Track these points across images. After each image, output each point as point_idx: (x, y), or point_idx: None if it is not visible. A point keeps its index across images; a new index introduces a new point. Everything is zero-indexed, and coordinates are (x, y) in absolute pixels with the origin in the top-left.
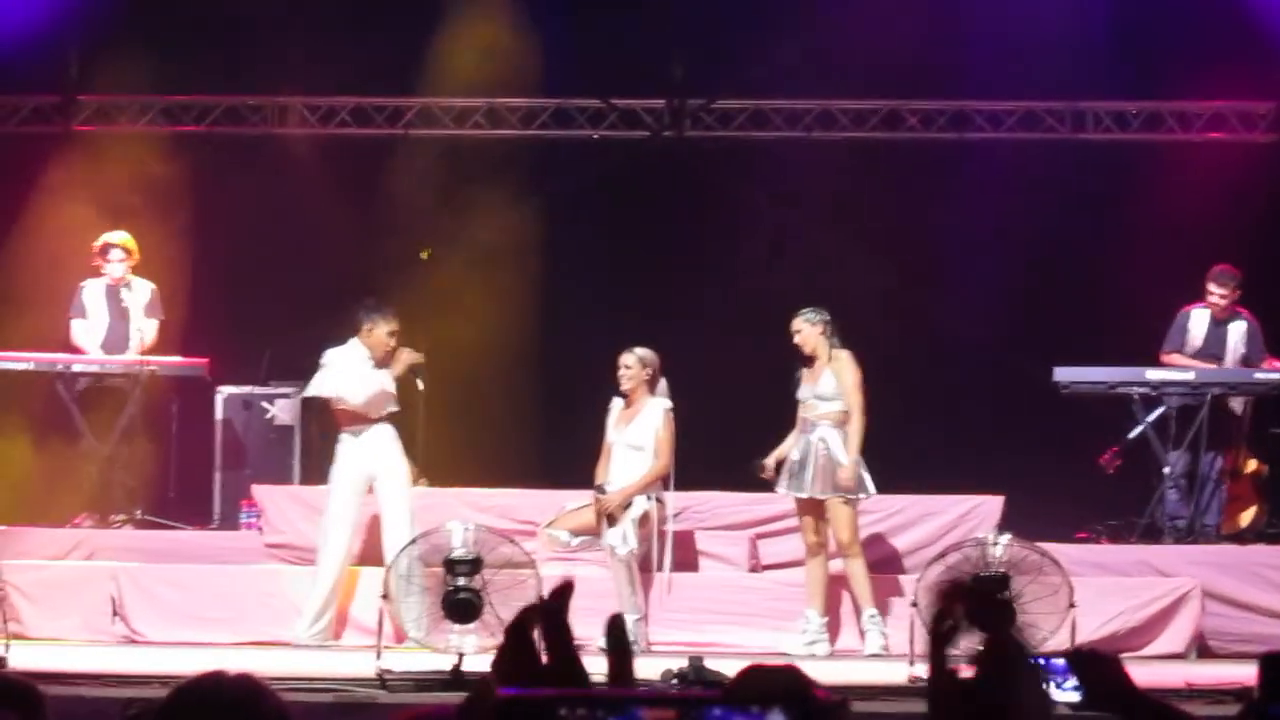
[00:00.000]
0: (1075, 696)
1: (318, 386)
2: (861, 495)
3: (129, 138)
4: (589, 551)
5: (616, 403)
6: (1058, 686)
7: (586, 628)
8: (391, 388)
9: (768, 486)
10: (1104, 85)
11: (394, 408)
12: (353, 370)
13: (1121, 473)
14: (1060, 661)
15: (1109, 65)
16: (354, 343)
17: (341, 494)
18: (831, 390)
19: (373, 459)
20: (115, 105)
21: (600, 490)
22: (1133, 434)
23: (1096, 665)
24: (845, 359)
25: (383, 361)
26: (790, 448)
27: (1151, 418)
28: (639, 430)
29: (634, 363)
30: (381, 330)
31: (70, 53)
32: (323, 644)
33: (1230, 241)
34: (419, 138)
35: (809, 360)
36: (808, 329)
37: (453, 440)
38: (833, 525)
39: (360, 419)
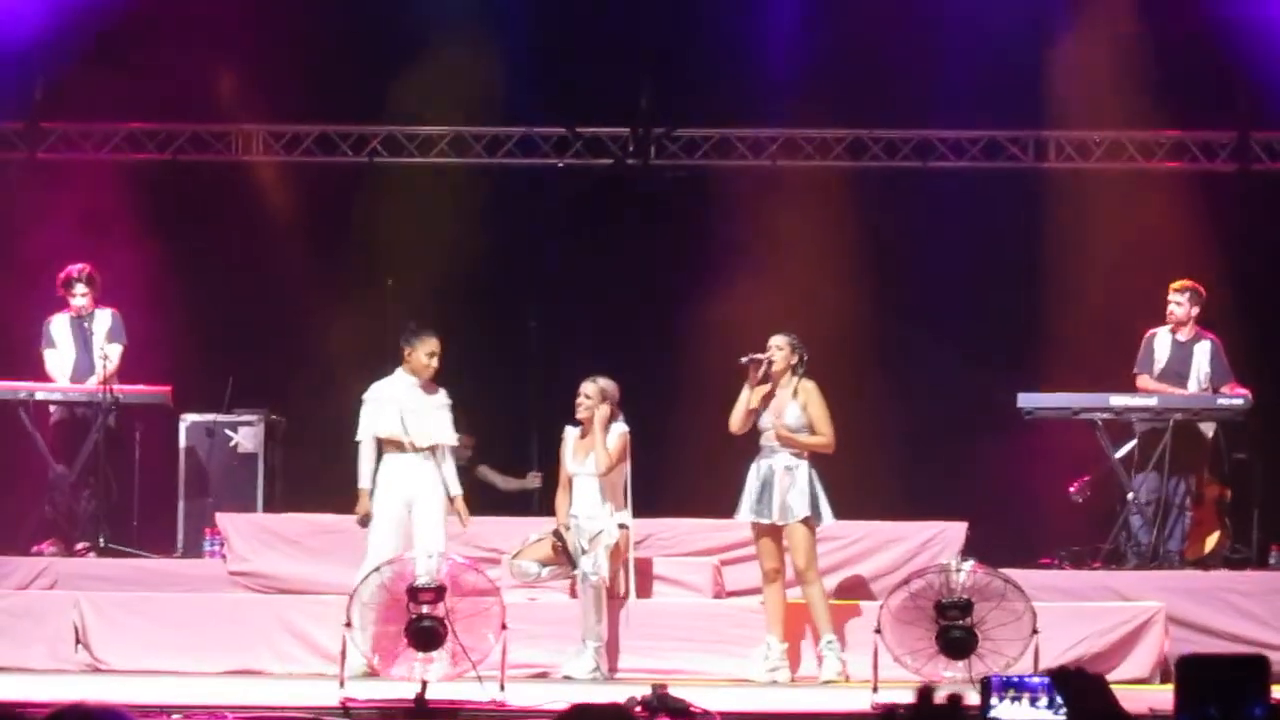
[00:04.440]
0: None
1: (369, 427)
2: (819, 522)
3: (93, 165)
4: (558, 581)
5: (570, 432)
6: (1033, 704)
7: (552, 655)
8: (453, 441)
9: (731, 512)
10: (1066, 115)
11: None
12: (393, 402)
13: (1085, 498)
14: (1039, 680)
15: (1071, 95)
16: (399, 372)
17: (380, 521)
18: (797, 422)
19: (412, 484)
20: (80, 132)
21: (565, 530)
22: (1119, 454)
23: (1082, 685)
24: (814, 390)
25: (428, 385)
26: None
27: (1122, 452)
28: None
29: (594, 392)
30: (420, 353)
31: (35, 79)
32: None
33: (1194, 269)
34: (384, 165)
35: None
36: (787, 352)
37: None
38: (790, 550)
39: (400, 445)
